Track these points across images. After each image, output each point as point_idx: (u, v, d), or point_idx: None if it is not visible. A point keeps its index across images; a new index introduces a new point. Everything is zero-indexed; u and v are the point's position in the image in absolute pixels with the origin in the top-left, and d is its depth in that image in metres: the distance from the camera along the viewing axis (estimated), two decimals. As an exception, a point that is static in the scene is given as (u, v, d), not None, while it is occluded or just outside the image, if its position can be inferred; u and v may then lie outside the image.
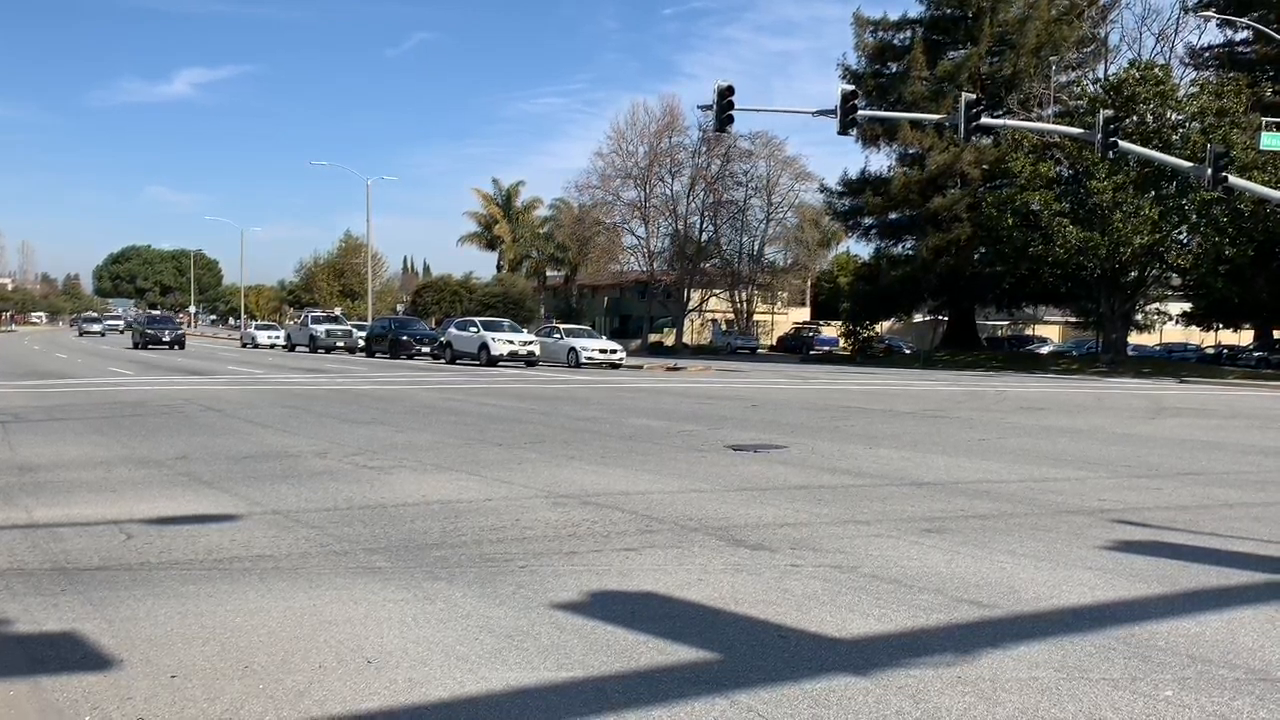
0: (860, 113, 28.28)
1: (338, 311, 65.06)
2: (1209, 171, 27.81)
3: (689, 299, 66.89)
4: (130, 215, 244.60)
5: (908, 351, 59.75)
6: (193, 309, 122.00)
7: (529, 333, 39.67)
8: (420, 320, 54.86)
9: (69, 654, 4.18)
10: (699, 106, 69.28)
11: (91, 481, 8.55)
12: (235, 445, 11.10)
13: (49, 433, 12.19)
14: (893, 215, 54.84)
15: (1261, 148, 31.21)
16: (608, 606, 4.93)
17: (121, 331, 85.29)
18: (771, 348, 68.03)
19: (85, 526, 6.69)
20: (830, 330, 67.36)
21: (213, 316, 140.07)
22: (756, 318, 72.49)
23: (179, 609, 4.82)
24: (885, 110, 47.30)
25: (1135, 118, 38.07)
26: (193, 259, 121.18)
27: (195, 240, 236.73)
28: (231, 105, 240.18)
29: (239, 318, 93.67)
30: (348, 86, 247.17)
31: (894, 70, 53.38)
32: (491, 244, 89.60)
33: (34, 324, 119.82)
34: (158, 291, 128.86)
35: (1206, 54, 49.93)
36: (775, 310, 75.93)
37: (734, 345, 62.46)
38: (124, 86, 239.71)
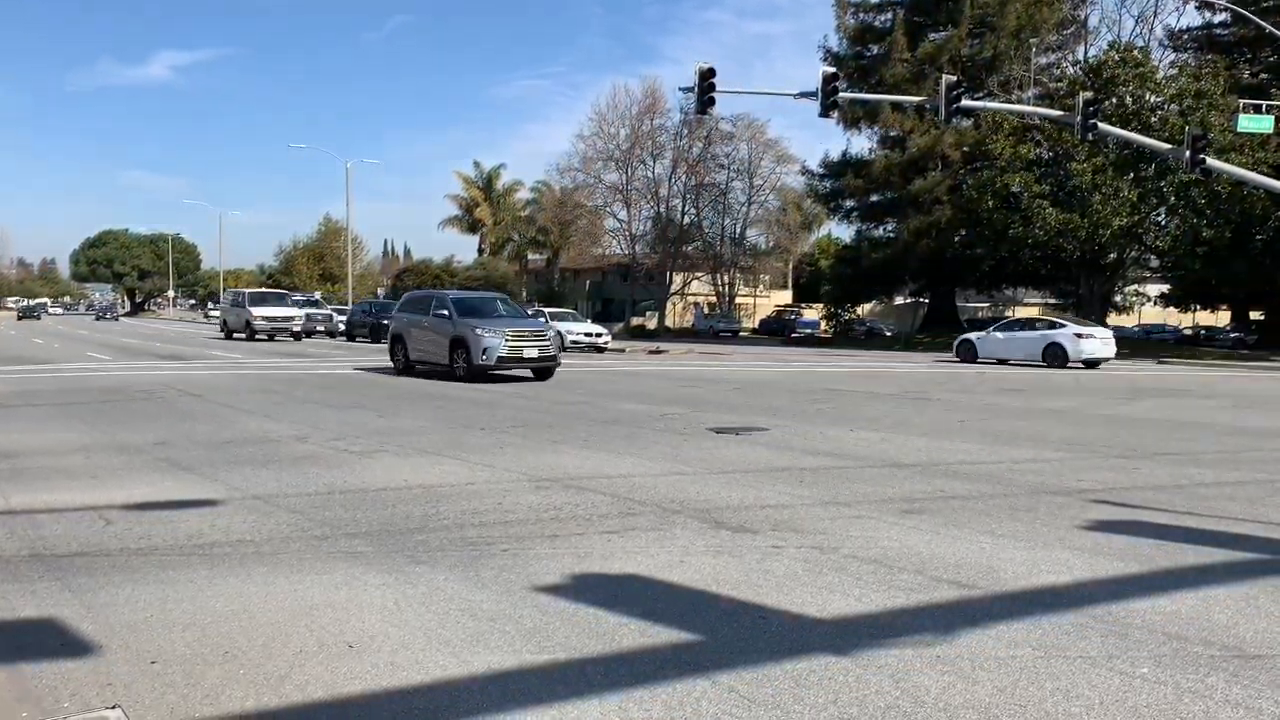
0: (841, 95, 28.25)
1: (318, 296, 64.65)
2: (1187, 153, 27.96)
3: (671, 282, 66.86)
4: (107, 199, 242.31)
5: (889, 334, 59.91)
6: (171, 293, 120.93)
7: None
8: (401, 304, 54.49)
9: (48, 641, 4.16)
10: (680, 89, 69.22)
11: (70, 468, 8.49)
12: (215, 430, 11.04)
13: (27, 419, 12.08)
14: (874, 197, 54.91)
15: (1239, 130, 31.37)
16: (590, 589, 4.94)
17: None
18: (753, 331, 68.09)
19: (64, 513, 6.64)
20: (812, 313, 67.50)
21: (191, 301, 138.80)
22: (738, 301, 72.57)
23: (159, 595, 4.80)
24: (866, 92, 47.29)
25: (1114, 100, 38.17)
26: (170, 243, 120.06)
27: (173, 224, 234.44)
28: (209, 88, 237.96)
29: (218, 302, 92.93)
30: (327, 69, 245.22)
31: (875, 52, 53.33)
32: (473, 227, 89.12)
33: (10, 309, 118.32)
34: (135, 276, 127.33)
35: (1185, 36, 50.15)
36: (757, 293, 76.03)
37: (716, 328, 62.51)
38: (101, 69, 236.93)
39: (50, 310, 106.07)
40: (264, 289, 49.99)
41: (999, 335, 30.52)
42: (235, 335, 37.29)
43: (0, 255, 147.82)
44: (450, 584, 5.03)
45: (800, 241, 73.16)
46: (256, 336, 35.55)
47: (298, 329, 36.20)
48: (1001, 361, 29.60)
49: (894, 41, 50.81)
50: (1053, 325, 30.01)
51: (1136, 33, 47.47)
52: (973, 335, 31.84)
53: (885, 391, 18.21)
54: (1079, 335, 28.48)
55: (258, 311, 34.95)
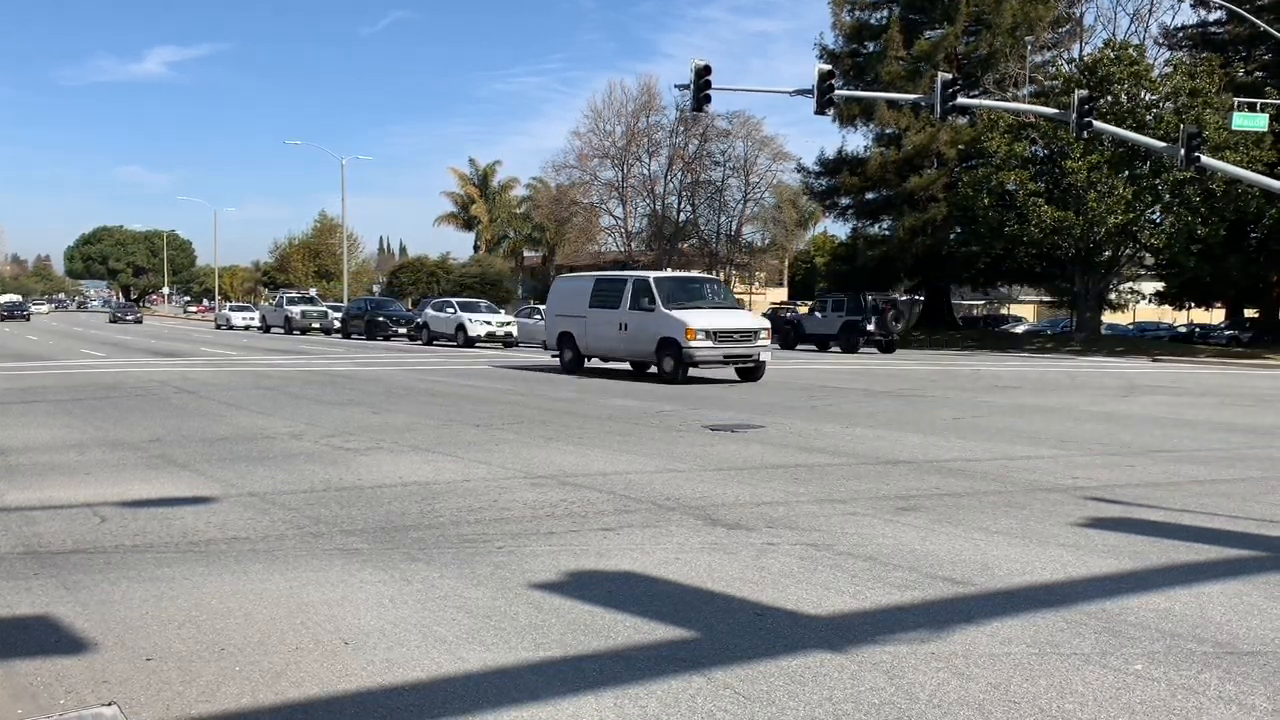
0: (837, 92, 28.25)
1: (313, 292, 64.50)
2: (1182, 151, 27.97)
3: (667, 279, 66.82)
4: (102, 195, 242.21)
5: (884, 331, 59.84)
6: (166, 290, 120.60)
7: (508, 314, 39.51)
8: (397, 301, 54.50)
9: (43, 637, 4.15)
10: (676, 86, 68.96)
11: (64, 464, 8.48)
12: (210, 427, 11.03)
13: (21, 415, 12.05)
14: (869, 195, 54.86)
15: (1233, 128, 31.42)
16: (585, 586, 4.95)
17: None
18: (749, 328, 67.93)
19: (59, 510, 6.63)
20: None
21: (187, 298, 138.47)
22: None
23: (154, 592, 4.79)
24: (862, 90, 47.25)
25: (1110, 98, 38.19)
26: (165, 240, 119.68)
27: (168, 221, 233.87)
28: (205, 84, 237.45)
29: (213, 298, 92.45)
30: (323, 65, 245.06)
31: (871, 50, 53.30)
32: (468, 224, 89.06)
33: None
34: (130, 273, 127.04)
35: (1180, 34, 50.16)
36: (753, 290, 76.04)
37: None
38: (96, 65, 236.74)
39: (36, 308, 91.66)
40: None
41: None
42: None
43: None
44: (446, 581, 5.03)
45: (796, 239, 73.18)
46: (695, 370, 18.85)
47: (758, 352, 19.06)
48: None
49: (890, 39, 50.80)
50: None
51: (1132, 31, 47.64)
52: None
53: (880, 389, 18.22)
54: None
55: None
